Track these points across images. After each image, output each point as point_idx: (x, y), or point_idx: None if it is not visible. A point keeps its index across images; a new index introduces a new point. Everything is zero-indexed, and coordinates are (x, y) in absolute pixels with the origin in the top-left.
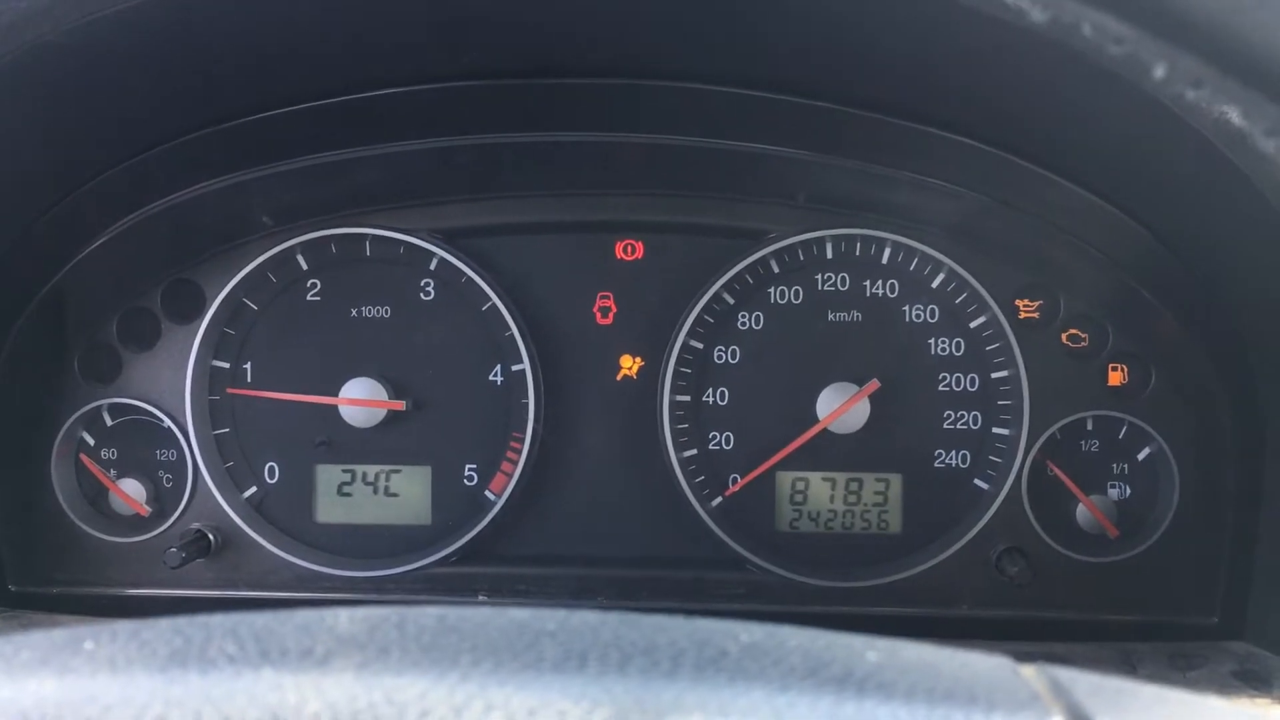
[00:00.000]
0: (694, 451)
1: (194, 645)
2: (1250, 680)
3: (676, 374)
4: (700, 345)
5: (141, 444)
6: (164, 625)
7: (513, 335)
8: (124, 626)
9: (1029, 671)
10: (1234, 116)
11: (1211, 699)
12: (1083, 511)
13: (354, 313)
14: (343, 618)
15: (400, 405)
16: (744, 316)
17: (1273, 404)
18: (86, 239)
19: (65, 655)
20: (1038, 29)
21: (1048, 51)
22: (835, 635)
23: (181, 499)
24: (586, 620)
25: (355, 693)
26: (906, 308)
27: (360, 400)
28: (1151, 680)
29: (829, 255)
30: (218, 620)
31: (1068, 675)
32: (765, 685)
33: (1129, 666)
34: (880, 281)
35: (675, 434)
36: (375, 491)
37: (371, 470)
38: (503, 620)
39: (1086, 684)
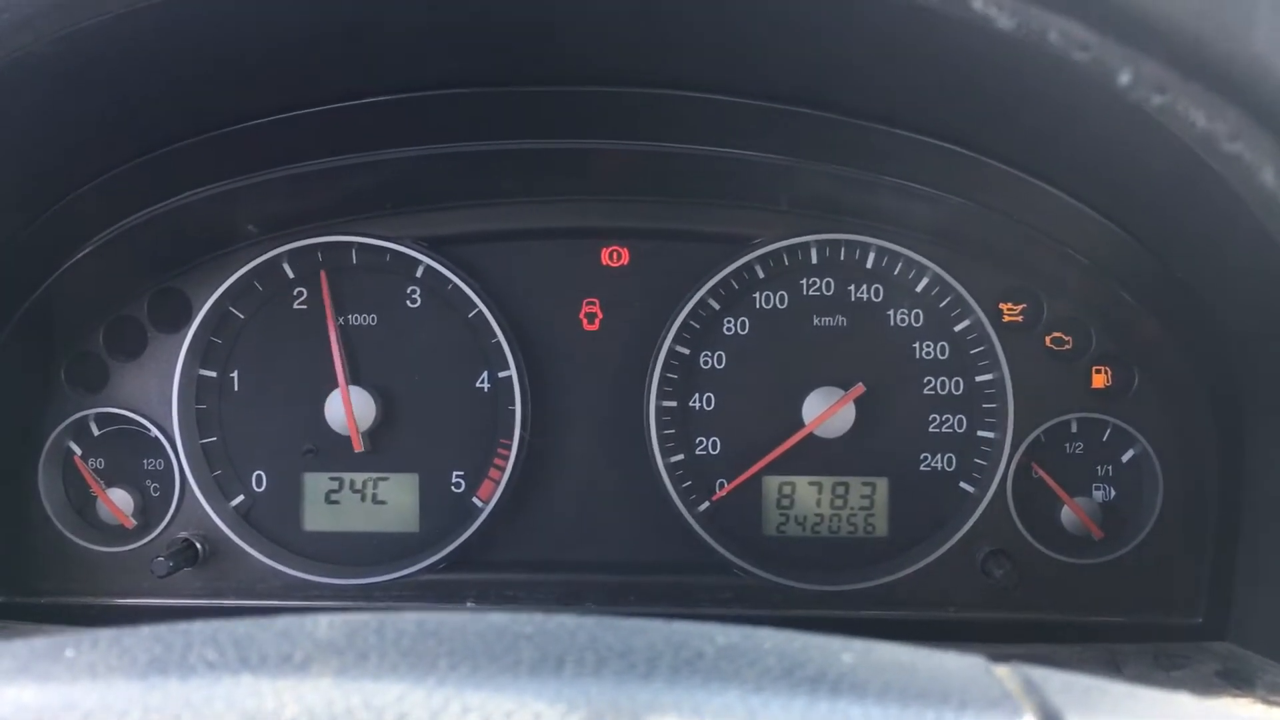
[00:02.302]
0: (681, 457)
1: (174, 652)
2: (1233, 680)
3: (663, 379)
4: (686, 351)
5: (129, 453)
6: (145, 633)
7: (499, 342)
8: (105, 634)
9: (1002, 671)
10: (1199, 121)
11: (1182, 695)
12: (1067, 513)
13: (340, 321)
14: (322, 624)
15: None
16: (729, 322)
17: (1254, 405)
18: (72, 248)
19: (46, 663)
20: (1006, 36)
21: (1024, 58)
22: (811, 637)
23: (169, 508)
24: (564, 624)
25: (333, 697)
26: (891, 312)
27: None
28: (1135, 680)
29: (814, 260)
30: (198, 627)
31: (1040, 674)
32: (740, 686)
33: (1114, 667)
34: (865, 286)
35: (662, 439)
36: (363, 499)
37: (359, 478)
38: (481, 625)
39: (1058, 682)
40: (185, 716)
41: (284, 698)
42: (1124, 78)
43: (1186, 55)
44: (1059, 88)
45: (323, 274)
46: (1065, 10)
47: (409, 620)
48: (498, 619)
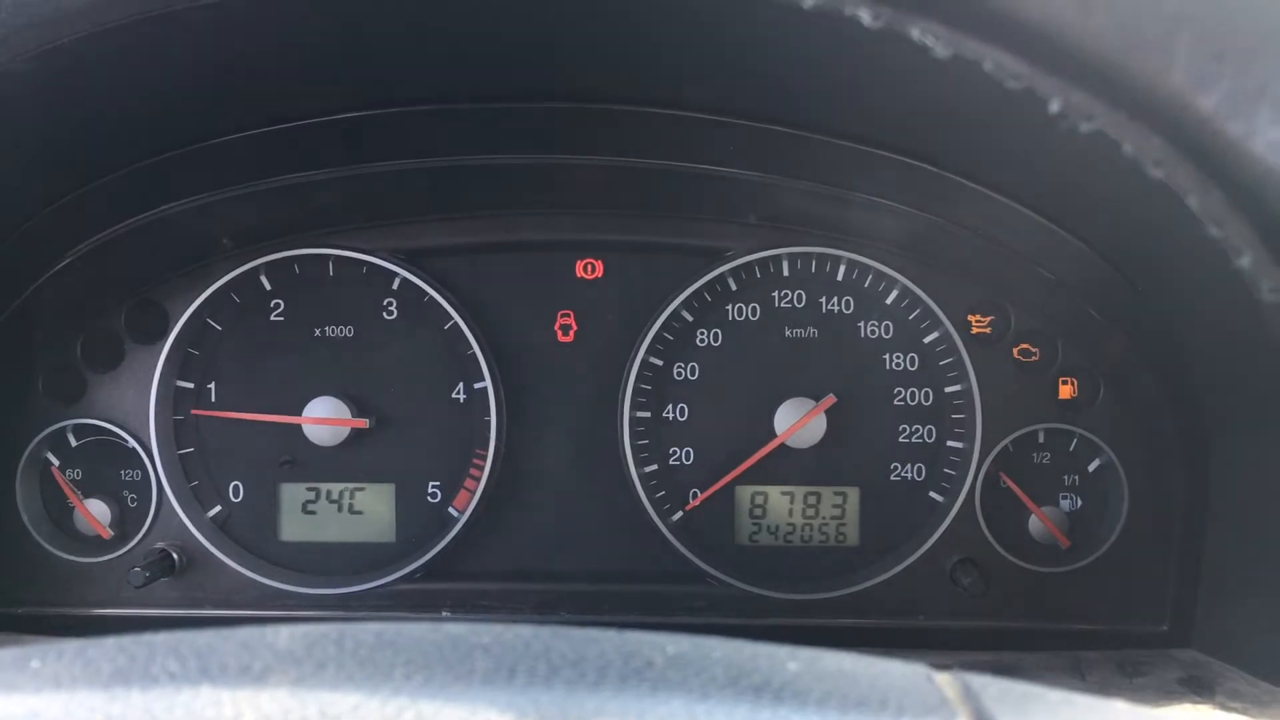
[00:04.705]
0: (654, 467)
1: (137, 663)
2: (1194, 687)
3: (637, 390)
4: (660, 362)
5: (106, 464)
6: (109, 644)
7: (475, 354)
8: (71, 645)
9: (943, 678)
10: (1125, 148)
11: (1118, 702)
12: (1035, 522)
13: (317, 333)
14: (283, 634)
15: (364, 423)
16: (703, 334)
17: (1217, 416)
18: (50, 261)
19: (11, 673)
20: (945, 64)
21: (982, 83)
22: (760, 646)
23: (146, 518)
24: (520, 634)
25: (290, 706)
26: (861, 324)
27: (324, 420)
28: (1098, 686)
29: (785, 273)
30: (162, 638)
31: (980, 681)
32: (686, 694)
33: (1078, 674)
34: (836, 298)
35: (636, 450)
36: (339, 509)
37: (336, 488)
38: (438, 635)
39: (996, 689)
40: None
41: (241, 707)
42: (1054, 106)
43: (1110, 87)
44: (1019, 111)
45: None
46: (997, 42)
47: (368, 631)
48: (456, 629)
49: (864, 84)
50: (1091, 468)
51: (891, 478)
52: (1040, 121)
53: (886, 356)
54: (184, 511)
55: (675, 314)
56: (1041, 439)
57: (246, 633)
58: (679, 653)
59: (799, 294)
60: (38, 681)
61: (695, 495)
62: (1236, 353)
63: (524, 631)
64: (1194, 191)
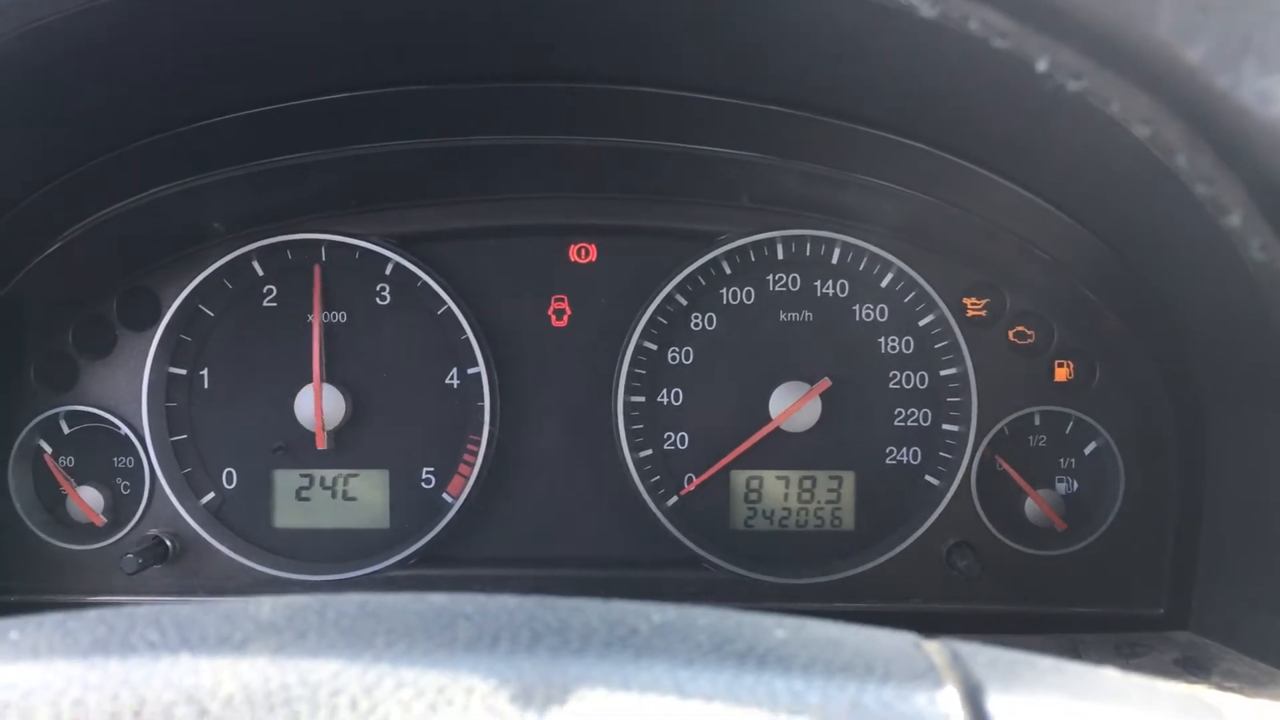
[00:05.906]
0: (649, 452)
1: (116, 633)
2: (1191, 668)
3: (631, 375)
4: (654, 346)
5: (99, 451)
6: (90, 615)
7: (468, 339)
8: (51, 617)
9: (931, 645)
10: (1113, 107)
11: (1108, 670)
12: (1031, 505)
13: (310, 318)
14: (265, 605)
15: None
16: (697, 317)
17: (1212, 399)
18: (40, 246)
19: None
20: (930, 24)
21: (975, 55)
22: (746, 614)
23: (139, 505)
24: (504, 604)
25: (269, 674)
26: (856, 307)
27: (316, 404)
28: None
29: (780, 256)
30: (142, 610)
31: (969, 649)
32: (670, 660)
33: (1075, 655)
34: (830, 281)
35: (630, 434)
36: (333, 496)
37: (329, 474)
38: (421, 605)
39: (986, 656)
40: (123, 694)
41: (221, 675)
42: (1041, 64)
43: (1098, 42)
44: (1015, 85)
45: (317, 268)
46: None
47: (351, 601)
48: (439, 599)
49: (856, 58)
50: (1088, 450)
51: (887, 461)
52: (1032, 93)
53: (881, 340)
54: (177, 498)
55: (669, 298)
56: (1037, 422)
57: (228, 604)
58: (664, 620)
59: (793, 277)
60: (16, 651)
61: (690, 480)
62: (1230, 328)
63: (509, 601)
64: (1182, 149)
